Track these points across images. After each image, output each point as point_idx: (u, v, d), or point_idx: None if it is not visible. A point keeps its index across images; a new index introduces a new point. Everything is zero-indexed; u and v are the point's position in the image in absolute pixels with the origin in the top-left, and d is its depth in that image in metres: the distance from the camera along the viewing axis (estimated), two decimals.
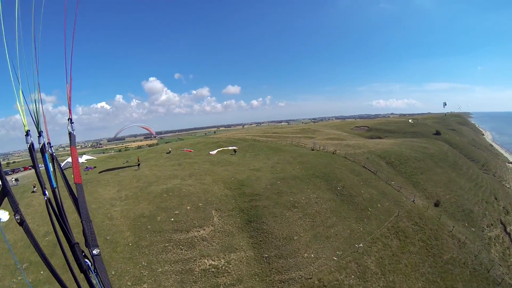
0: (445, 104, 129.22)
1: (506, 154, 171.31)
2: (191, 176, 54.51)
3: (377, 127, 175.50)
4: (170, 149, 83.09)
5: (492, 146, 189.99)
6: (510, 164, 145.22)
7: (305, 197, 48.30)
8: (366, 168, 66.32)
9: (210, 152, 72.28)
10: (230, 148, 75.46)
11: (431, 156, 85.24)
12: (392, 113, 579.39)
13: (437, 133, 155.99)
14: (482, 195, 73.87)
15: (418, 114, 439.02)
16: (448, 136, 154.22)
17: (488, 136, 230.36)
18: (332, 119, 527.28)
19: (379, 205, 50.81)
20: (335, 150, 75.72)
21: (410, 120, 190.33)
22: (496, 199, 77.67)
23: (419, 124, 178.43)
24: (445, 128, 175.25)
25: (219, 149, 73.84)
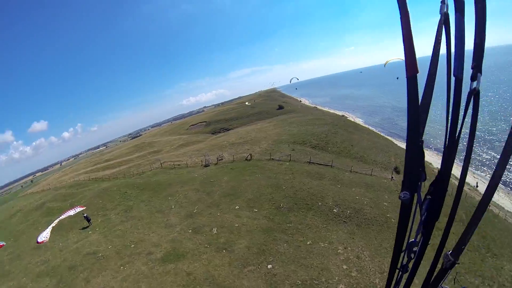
0: (297, 79, 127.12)
1: (321, 108, 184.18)
2: None
3: (216, 119, 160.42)
4: None
5: (316, 107, 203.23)
6: None
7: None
8: (315, 163, 43.17)
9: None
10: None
11: (336, 125, 71.63)
12: (204, 107, 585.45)
13: (280, 107, 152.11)
14: (391, 148, 66.15)
15: (229, 101, 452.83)
16: (290, 108, 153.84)
17: (306, 102, 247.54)
18: (148, 129, 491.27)
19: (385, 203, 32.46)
20: (249, 155, 48.56)
21: (247, 103, 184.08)
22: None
23: (258, 105, 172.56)
24: (281, 102, 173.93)
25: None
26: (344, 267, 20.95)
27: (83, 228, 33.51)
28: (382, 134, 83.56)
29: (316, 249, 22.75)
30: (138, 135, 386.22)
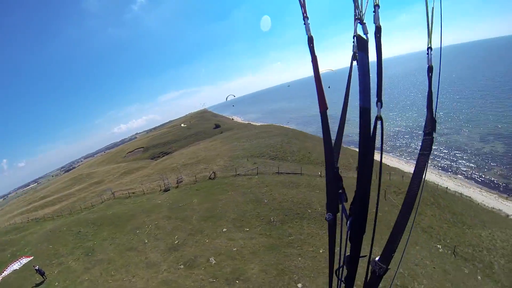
0: (233, 96, 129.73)
1: (255, 124, 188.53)
2: None
3: (153, 144, 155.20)
4: None
5: (250, 123, 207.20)
6: None
7: None
8: (284, 173, 42.61)
9: None
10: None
11: (286, 135, 72.69)
12: (136, 133, 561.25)
13: (217, 126, 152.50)
14: (345, 151, 69.59)
15: (161, 125, 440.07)
16: (227, 126, 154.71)
17: (238, 119, 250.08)
18: (81, 161, 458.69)
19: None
20: (213, 173, 45.68)
21: (182, 125, 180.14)
22: None
23: (193, 126, 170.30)
24: (216, 121, 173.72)
25: None
26: None
27: (37, 285, 26.88)
28: None
29: None
30: (71, 167, 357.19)
